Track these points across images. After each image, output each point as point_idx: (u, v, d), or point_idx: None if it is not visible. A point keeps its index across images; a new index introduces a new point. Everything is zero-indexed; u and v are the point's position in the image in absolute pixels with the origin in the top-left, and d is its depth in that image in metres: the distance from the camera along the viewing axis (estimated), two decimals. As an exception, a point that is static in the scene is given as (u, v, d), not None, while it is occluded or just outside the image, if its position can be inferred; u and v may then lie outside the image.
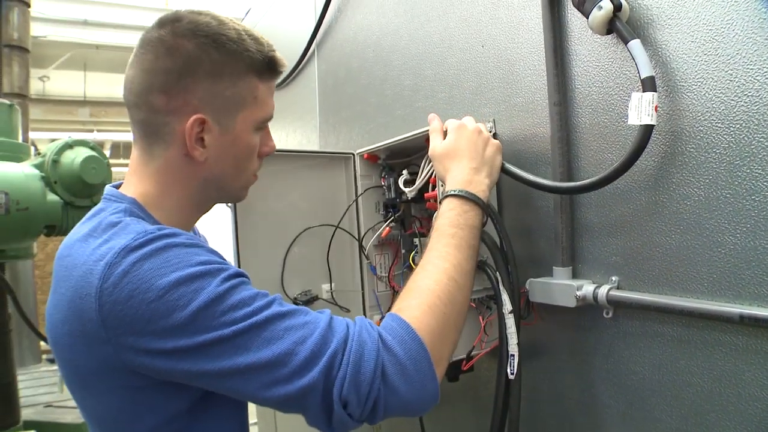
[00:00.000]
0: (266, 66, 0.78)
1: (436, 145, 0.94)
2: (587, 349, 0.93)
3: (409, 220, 1.26)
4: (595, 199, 0.90)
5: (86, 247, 0.67)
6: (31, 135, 3.43)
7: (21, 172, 1.85)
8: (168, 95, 0.72)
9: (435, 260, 0.78)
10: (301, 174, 1.28)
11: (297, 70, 2.05)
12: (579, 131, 0.92)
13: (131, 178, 0.78)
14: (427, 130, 1.00)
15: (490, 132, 1.07)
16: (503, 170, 0.95)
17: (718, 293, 0.74)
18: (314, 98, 1.94)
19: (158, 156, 0.76)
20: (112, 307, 0.62)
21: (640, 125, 0.76)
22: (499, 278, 0.96)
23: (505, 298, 0.95)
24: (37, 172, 1.95)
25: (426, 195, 1.05)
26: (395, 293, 1.30)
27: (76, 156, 2.03)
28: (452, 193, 0.85)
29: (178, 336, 0.62)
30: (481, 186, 0.86)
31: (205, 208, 0.85)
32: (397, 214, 1.25)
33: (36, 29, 5.70)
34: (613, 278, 0.87)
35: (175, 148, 0.75)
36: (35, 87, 7.34)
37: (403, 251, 1.25)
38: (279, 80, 2.15)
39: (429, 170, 1.05)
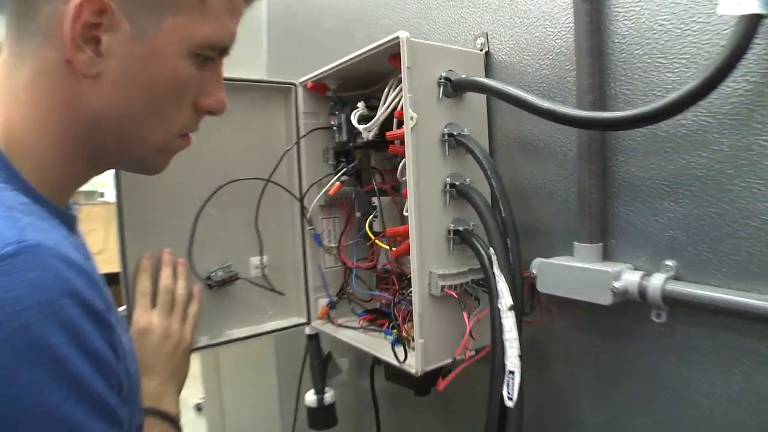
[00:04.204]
0: None
1: None
2: (623, 366, 0.64)
3: (367, 172, 0.95)
4: (642, 143, 0.60)
5: None
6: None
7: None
8: None
9: None
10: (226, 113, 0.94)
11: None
12: (618, 39, 0.61)
13: None
14: (390, 43, 0.68)
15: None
16: (492, 92, 0.65)
17: None
18: (262, 29, 1.58)
19: (29, 56, 0.46)
20: None
21: (740, 16, 0.46)
22: (494, 257, 0.66)
23: (502, 287, 0.64)
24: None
25: (389, 135, 0.73)
26: (347, 270, 0.98)
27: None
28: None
29: None
30: (169, 402, 0.73)
31: (100, 165, 0.53)
32: (351, 165, 0.93)
33: None
34: (668, 263, 0.57)
35: (53, 47, 0.45)
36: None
37: (358, 214, 0.93)
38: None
39: (394, 98, 0.73)
